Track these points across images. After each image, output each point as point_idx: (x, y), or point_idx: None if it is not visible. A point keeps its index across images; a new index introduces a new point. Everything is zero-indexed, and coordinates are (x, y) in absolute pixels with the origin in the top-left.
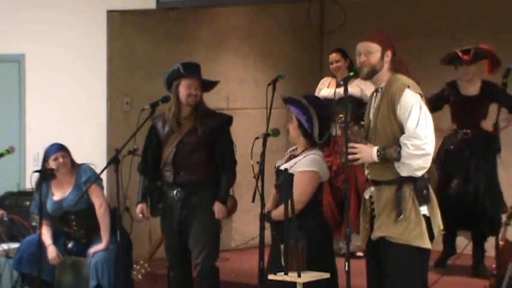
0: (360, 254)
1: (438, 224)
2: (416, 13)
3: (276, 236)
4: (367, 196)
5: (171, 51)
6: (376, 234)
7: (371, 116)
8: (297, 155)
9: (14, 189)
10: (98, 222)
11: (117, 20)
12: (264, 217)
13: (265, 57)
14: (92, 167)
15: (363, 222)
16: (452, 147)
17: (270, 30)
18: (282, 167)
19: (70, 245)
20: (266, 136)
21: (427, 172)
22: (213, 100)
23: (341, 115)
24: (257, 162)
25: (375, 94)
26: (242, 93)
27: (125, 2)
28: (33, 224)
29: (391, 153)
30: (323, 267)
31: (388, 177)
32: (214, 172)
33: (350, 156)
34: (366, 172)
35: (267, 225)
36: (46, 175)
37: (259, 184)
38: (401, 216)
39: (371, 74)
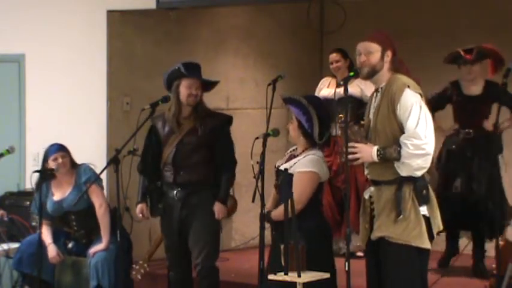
0: (359, 254)
1: (438, 224)
2: (416, 13)
3: (276, 236)
4: (366, 196)
5: (171, 51)
6: (375, 234)
7: (371, 116)
8: (297, 155)
9: (14, 189)
10: (98, 222)
11: (117, 20)
12: (264, 217)
13: (265, 57)
14: (92, 167)
15: (362, 222)
16: (454, 146)
17: (270, 30)
18: (282, 167)
19: (70, 245)
20: (266, 136)
21: (427, 172)
22: (213, 100)
23: (341, 115)
24: (257, 162)
25: (375, 94)
26: (242, 93)
27: (124, 2)
28: (33, 224)
29: (391, 153)
30: (322, 267)
31: (387, 177)
32: (214, 172)
33: (350, 156)
34: (366, 172)
35: (267, 225)
36: (46, 175)
37: (259, 184)
38: (401, 216)
39: (371, 74)
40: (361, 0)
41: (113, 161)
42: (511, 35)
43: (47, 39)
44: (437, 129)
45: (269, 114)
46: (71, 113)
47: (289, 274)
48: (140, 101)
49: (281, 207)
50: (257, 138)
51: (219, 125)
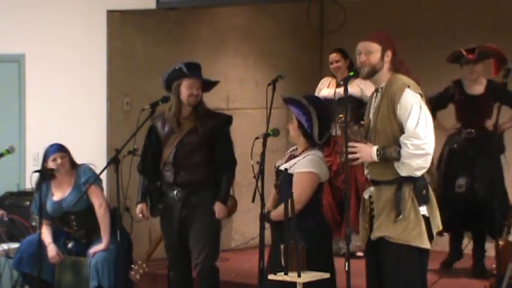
0: (359, 254)
1: (437, 224)
2: (416, 13)
3: (276, 236)
4: (366, 196)
5: (171, 51)
6: (375, 234)
7: (371, 116)
8: (297, 155)
9: (14, 189)
10: (98, 222)
11: (117, 20)
12: (264, 217)
13: (265, 57)
14: (92, 167)
15: (362, 222)
16: (456, 146)
17: (270, 30)
18: (282, 167)
19: (70, 245)
20: (266, 136)
21: (427, 172)
22: (213, 100)
23: (341, 115)
24: (257, 162)
25: (375, 94)
26: (242, 93)
27: (124, 2)
28: (33, 224)
29: (390, 152)
30: (322, 267)
31: (387, 177)
32: (214, 172)
33: (350, 156)
34: (366, 172)
35: (267, 225)
36: (46, 175)
37: (259, 184)
38: (401, 216)
39: (371, 74)
40: (361, 0)
41: (113, 161)
42: (511, 35)
43: (47, 39)
44: (440, 128)
45: (269, 114)
46: (71, 113)
47: (289, 274)
48: (140, 101)
49: (281, 208)
50: (257, 138)
51: (219, 125)
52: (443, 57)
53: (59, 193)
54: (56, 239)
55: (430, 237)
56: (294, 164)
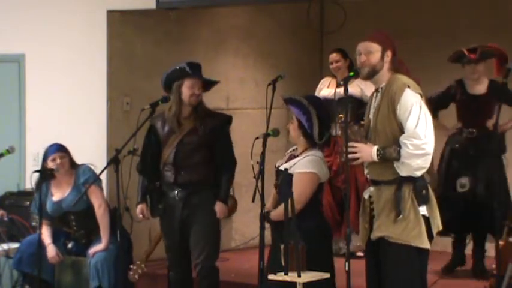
0: (359, 254)
1: (437, 224)
2: (416, 13)
3: (276, 236)
4: (366, 196)
5: (171, 51)
6: (375, 234)
7: (371, 116)
8: (297, 155)
9: (14, 189)
10: (98, 222)
11: (117, 20)
12: (264, 217)
13: (265, 57)
14: (92, 167)
15: (362, 222)
16: (457, 145)
17: (270, 30)
18: (282, 167)
19: (70, 245)
20: (266, 136)
21: (427, 172)
22: (213, 100)
23: (341, 115)
24: (257, 162)
25: (375, 94)
26: (242, 93)
27: (124, 2)
28: (33, 224)
29: (390, 152)
30: (321, 267)
31: (387, 177)
32: (214, 172)
33: (350, 156)
34: (366, 172)
35: (267, 225)
36: (46, 175)
37: (259, 184)
38: (401, 216)
39: (371, 74)
40: (361, 0)
41: (113, 161)
42: (511, 35)
43: (47, 39)
44: (441, 128)
45: (269, 114)
46: (71, 113)
47: (289, 274)
48: (140, 101)
49: (280, 208)
50: (257, 138)
51: (219, 125)
52: (443, 57)
53: (59, 193)
54: (55, 239)
55: (430, 237)
56: (294, 164)
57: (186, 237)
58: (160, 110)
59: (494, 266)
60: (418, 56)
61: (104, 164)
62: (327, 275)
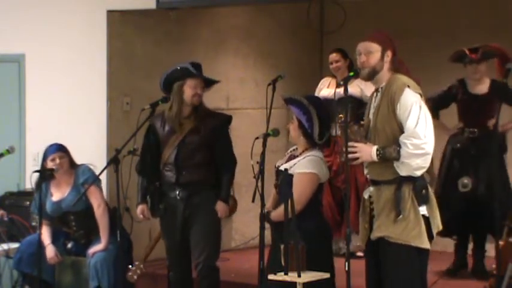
0: (359, 254)
1: (437, 224)
2: (416, 13)
3: (276, 236)
4: (366, 196)
5: (171, 51)
6: (375, 234)
7: (371, 116)
8: (297, 155)
9: (14, 189)
10: (97, 222)
11: (117, 20)
12: (264, 217)
13: (265, 57)
14: (91, 167)
15: (362, 222)
16: (458, 145)
17: (270, 30)
18: (282, 167)
19: (69, 245)
20: (266, 136)
21: (427, 172)
22: (213, 100)
23: (341, 115)
24: (257, 162)
25: (375, 94)
26: (242, 93)
27: (124, 2)
28: (33, 224)
29: (390, 152)
30: (321, 267)
31: (387, 176)
32: (214, 172)
33: (350, 156)
34: (365, 172)
35: (267, 225)
36: (45, 175)
37: (259, 184)
38: (401, 216)
39: (371, 75)
40: (361, 0)
41: (113, 161)
42: (511, 35)
43: (47, 39)
44: (442, 128)
45: (269, 114)
46: (71, 113)
47: (289, 274)
48: (140, 101)
49: (281, 208)
50: (257, 138)
51: (219, 125)
52: (443, 57)
53: (58, 193)
54: (55, 239)
55: (430, 237)
56: (294, 165)
57: (186, 237)
58: (160, 110)
59: (494, 266)
60: (418, 56)
61: (104, 164)
62: (327, 275)
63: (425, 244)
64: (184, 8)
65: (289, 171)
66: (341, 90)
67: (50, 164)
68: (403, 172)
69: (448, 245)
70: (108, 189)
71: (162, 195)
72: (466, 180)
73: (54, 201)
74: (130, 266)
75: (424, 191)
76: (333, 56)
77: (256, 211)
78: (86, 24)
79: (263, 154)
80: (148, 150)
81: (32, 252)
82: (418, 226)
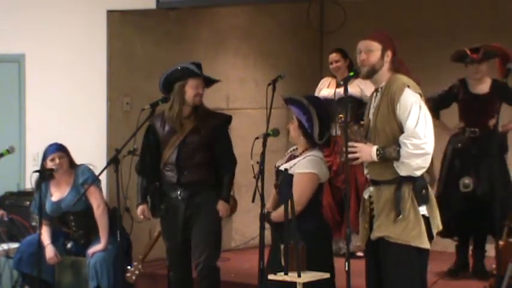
0: (359, 254)
1: (437, 224)
2: (416, 13)
3: (276, 236)
4: (366, 196)
5: (171, 51)
6: (375, 234)
7: (371, 116)
8: (297, 155)
9: (14, 189)
10: (97, 222)
11: (117, 20)
12: (264, 217)
13: (265, 57)
14: (91, 167)
15: (362, 222)
16: (459, 145)
17: (270, 30)
18: (282, 167)
19: (69, 245)
20: (266, 136)
21: (427, 172)
22: (213, 100)
23: (341, 115)
24: (257, 162)
25: (374, 94)
26: (242, 93)
27: (124, 2)
28: (33, 224)
29: (390, 152)
30: (321, 268)
31: (387, 176)
32: (214, 172)
33: (350, 156)
34: (365, 172)
35: (267, 225)
36: (45, 175)
37: (259, 184)
38: (400, 216)
39: (371, 73)
40: (361, 0)
41: (113, 161)
42: (511, 35)
43: (47, 39)
44: (443, 128)
45: (269, 114)
46: (71, 113)
47: (289, 274)
48: (140, 101)
49: (281, 209)
50: (257, 138)
51: (219, 125)
52: (443, 57)
53: (58, 193)
54: (55, 239)
55: (430, 237)
56: (294, 165)
57: (187, 237)
58: (160, 110)
59: (494, 266)
60: (418, 56)
61: (104, 164)
62: (327, 275)
63: (425, 244)
64: (184, 8)
65: (289, 171)
66: (341, 90)
67: (49, 164)
68: (403, 172)
69: (448, 245)
70: (108, 189)
71: (162, 196)
72: (467, 180)
73: (54, 201)
74: (129, 267)
75: (424, 191)
76: (333, 56)
77: (256, 211)
78: (86, 24)
79: (263, 154)
80: (148, 150)
81: (32, 252)
82: (418, 226)
